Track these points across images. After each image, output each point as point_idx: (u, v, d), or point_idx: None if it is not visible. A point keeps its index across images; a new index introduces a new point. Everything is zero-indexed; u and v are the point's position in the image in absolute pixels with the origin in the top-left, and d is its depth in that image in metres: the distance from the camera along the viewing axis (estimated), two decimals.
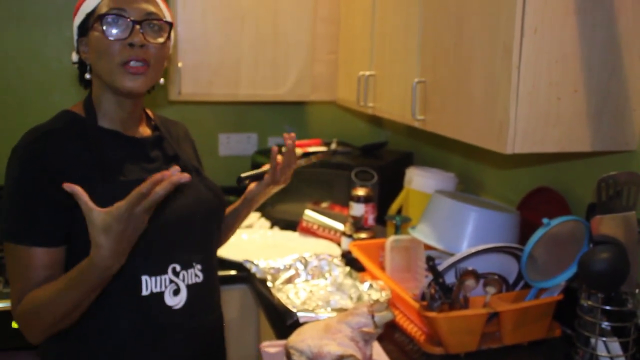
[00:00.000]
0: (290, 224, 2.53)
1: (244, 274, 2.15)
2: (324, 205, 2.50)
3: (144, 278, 1.29)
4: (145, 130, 1.43)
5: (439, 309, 1.51)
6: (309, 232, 2.44)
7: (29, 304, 1.21)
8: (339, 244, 2.33)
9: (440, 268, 1.56)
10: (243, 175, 1.64)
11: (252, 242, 2.41)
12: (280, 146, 1.73)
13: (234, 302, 2.20)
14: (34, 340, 1.26)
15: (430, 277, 1.70)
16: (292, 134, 1.61)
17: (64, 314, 1.19)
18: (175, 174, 1.03)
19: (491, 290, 1.57)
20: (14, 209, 1.26)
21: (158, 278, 1.31)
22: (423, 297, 1.61)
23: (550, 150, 1.48)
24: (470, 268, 1.54)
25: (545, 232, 1.53)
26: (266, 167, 1.65)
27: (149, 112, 1.51)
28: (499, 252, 1.67)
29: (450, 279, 1.61)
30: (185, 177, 1.03)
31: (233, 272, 2.16)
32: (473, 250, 1.60)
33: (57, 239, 1.25)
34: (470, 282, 1.53)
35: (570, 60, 1.44)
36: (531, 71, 1.42)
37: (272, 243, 2.42)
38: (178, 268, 1.34)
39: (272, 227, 2.58)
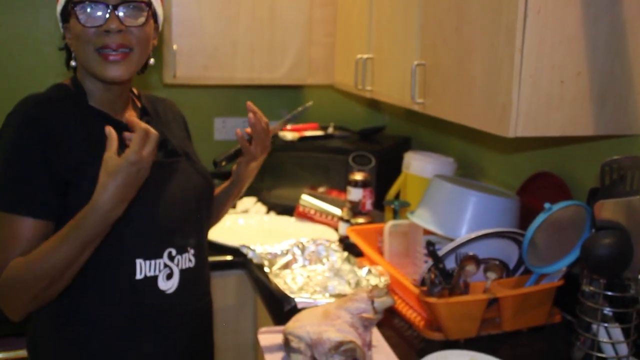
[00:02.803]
0: (286, 209, 2.51)
1: (240, 260, 2.12)
2: (321, 190, 2.48)
3: (138, 262, 1.27)
4: (131, 114, 1.39)
5: (438, 295, 1.49)
6: (305, 217, 2.42)
7: (12, 271, 1.17)
8: (336, 229, 2.31)
9: (441, 253, 1.54)
10: (217, 158, 1.60)
11: (248, 228, 2.39)
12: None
13: (230, 288, 2.17)
14: (15, 315, 1.23)
15: (430, 262, 1.68)
16: (250, 105, 1.52)
17: (52, 277, 1.16)
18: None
19: (492, 275, 1.55)
20: (6, 174, 1.21)
21: (153, 262, 1.29)
22: (423, 282, 1.59)
23: (553, 134, 1.46)
24: (470, 253, 1.52)
25: (546, 216, 1.51)
26: (238, 145, 1.60)
27: (135, 91, 1.48)
28: (500, 237, 1.65)
29: (450, 264, 1.59)
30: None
31: (229, 258, 2.14)
32: (474, 235, 1.58)
33: (48, 211, 1.21)
34: (470, 267, 1.51)
35: (574, 42, 1.42)
36: (534, 53, 1.40)
37: (269, 228, 2.39)
38: (174, 252, 1.33)
39: (268, 212, 2.56)
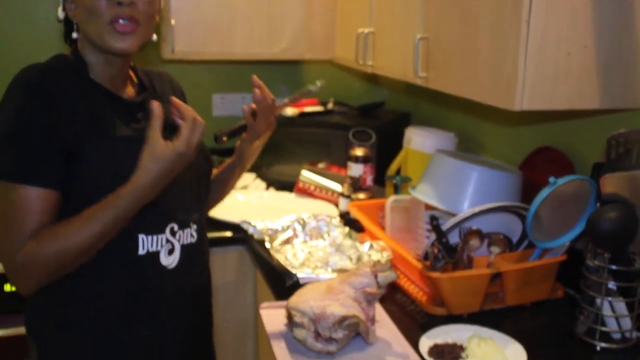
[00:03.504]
0: (286, 185, 2.49)
1: (240, 236, 2.11)
2: (321, 165, 2.46)
3: (140, 237, 1.26)
4: (130, 90, 1.37)
5: (442, 269, 1.48)
6: (305, 193, 2.41)
7: (34, 245, 1.16)
8: (336, 205, 2.29)
9: (444, 228, 1.52)
10: (219, 132, 1.57)
11: (247, 204, 2.38)
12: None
13: (230, 264, 2.17)
14: (27, 289, 1.22)
15: (432, 237, 1.68)
16: (256, 80, 1.49)
17: (78, 253, 1.17)
18: None
19: (495, 250, 1.54)
20: (11, 144, 1.18)
21: (155, 237, 1.28)
22: (426, 257, 1.58)
23: (559, 108, 1.44)
24: (475, 228, 1.51)
25: (551, 191, 1.50)
26: (242, 121, 1.58)
27: (132, 65, 1.45)
28: (504, 211, 1.64)
29: (453, 239, 1.58)
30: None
31: (229, 234, 2.13)
32: (478, 209, 1.57)
33: (58, 181, 1.19)
34: (474, 241, 1.50)
35: (581, 14, 1.39)
36: (541, 25, 1.37)
37: (268, 204, 2.38)
38: (176, 228, 1.32)
39: (267, 188, 2.55)
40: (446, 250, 1.48)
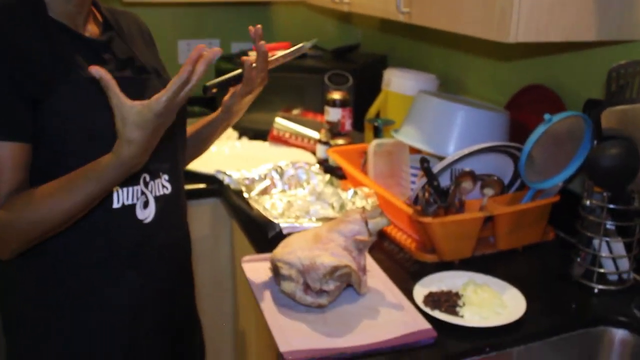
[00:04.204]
0: (259, 134, 2.38)
1: (214, 187, 2.01)
2: (296, 112, 2.35)
3: (115, 190, 1.15)
4: (93, 29, 1.24)
5: (434, 214, 1.40)
6: (280, 141, 2.30)
7: (12, 210, 1.05)
8: (313, 153, 2.20)
9: (435, 170, 1.44)
10: (209, 83, 1.46)
11: (220, 154, 2.26)
12: (243, 52, 1.54)
13: (204, 217, 2.06)
14: (5, 254, 1.12)
15: (418, 182, 1.60)
16: (259, 30, 1.37)
17: (61, 222, 1.07)
18: (209, 50, 0.96)
19: (489, 192, 1.47)
20: None
21: (130, 189, 1.18)
22: (415, 201, 1.50)
23: (555, 40, 1.36)
24: (467, 169, 1.43)
25: (546, 128, 1.42)
26: (235, 72, 1.48)
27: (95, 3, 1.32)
28: (496, 152, 1.56)
29: (443, 182, 1.50)
30: (218, 51, 0.97)
31: (202, 186, 2.02)
32: (469, 150, 1.48)
33: (27, 133, 1.07)
34: (467, 184, 1.42)
35: None
36: None
37: (242, 154, 2.27)
38: (148, 178, 1.22)
39: (240, 137, 2.43)
40: (438, 193, 1.40)
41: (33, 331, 1.20)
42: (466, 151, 1.47)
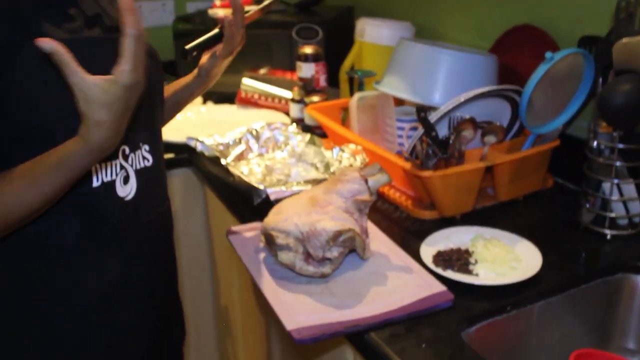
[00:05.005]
0: (226, 97, 2.22)
1: (184, 156, 1.86)
2: (263, 71, 2.20)
3: (93, 166, 1.01)
4: None
5: (434, 167, 1.30)
6: (249, 103, 2.15)
7: None
8: (286, 113, 2.06)
9: (432, 120, 1.33)
10: (188, 46, 1.35)
11: (186, 121, 2.10)
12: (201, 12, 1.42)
13: (174, 190, 1.91)
14: None
15: (404, 135, 1.50)
16: None
17: (26, 215, 0.93)
18: None
19: (491, 140, 1.36)
20: None
21: (109, 164, 1.04)
22: (410, 156, 1.39)
23: None
24: (467, 116, 1.32)
25: (548, 67, 1.32)
26: (212, 32, 1.37)
27: None
28: (495, 96, 1.45)
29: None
30: None
31: (171, 155, 1.86)
32: (467, 95, 1.37)
33: None
34: (468, 132, 1.31)
35: None
36: None
37: (209, 120, 2.12)
38: (127, 150, 1.08)
39: (205, 102, 2.27)
40: (437, 144, 1.29)
41: (5, 321, 1.06)
42: (464, 97, 1.36)
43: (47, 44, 0.79)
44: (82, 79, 0.81)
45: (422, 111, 1.28)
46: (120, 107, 0.84)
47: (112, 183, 1.05)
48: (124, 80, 0.82)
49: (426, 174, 1.29)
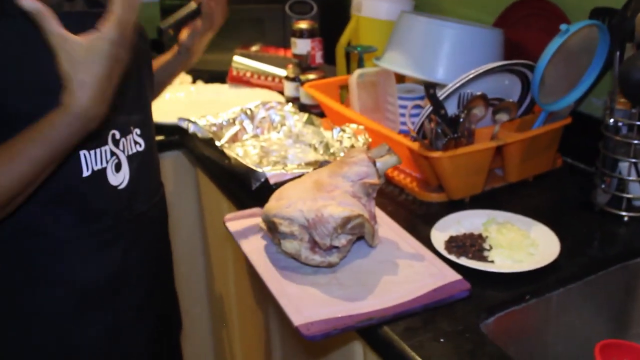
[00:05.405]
0: (216, 75, 2.13)
1: (174, 138, 1.78)
2: (255, 48, 2.11)
3: (82, 154, 0.94)
4: None
5: (444, 147, 1.22)
6: (241, 81, 2.07)
7: None
8: (280, 92, 1.98)
9: (440, 97, 1.25)
10: (164, 25, 1.28)
11: (176, 102, 2.02)
12: None
13: (166, 173, 1.82)
14: None
15: (406, 113, 1.42)
16: None
17: (8, 196, 0.85)
18: None
19: (503, 117, 1.29)
20: None
21: (98, 151, 0.97)
22: (418, 135, 1.32)
23: None
24: (478, 93, 1.25)
25: (563, 40, 1.24)
26: (189, 8, 1.30)
27: None
28: (506, 71, 1.38)
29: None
30: None
31: (161, 138, 1.78)
32: (477, 71, 1.30)
33: None
34: (479, 109, 1.24)
35: None
36: None
37: (200, 100, 2.03)
38: (117, 135, 1.00)
39: (194, 81, 2.18)
40: (446, 123, 1.22)
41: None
42: (470, 75, 1.28)
43: (30, 3, 0.74)
44: (65, 38, 0.77)
45: (431, 87, 1.20)
46: (106, 65, 0.78)
47: (103, 171, 0.97)
48: (109, 34, 0.78)
49: (436, 154, 1.22)
